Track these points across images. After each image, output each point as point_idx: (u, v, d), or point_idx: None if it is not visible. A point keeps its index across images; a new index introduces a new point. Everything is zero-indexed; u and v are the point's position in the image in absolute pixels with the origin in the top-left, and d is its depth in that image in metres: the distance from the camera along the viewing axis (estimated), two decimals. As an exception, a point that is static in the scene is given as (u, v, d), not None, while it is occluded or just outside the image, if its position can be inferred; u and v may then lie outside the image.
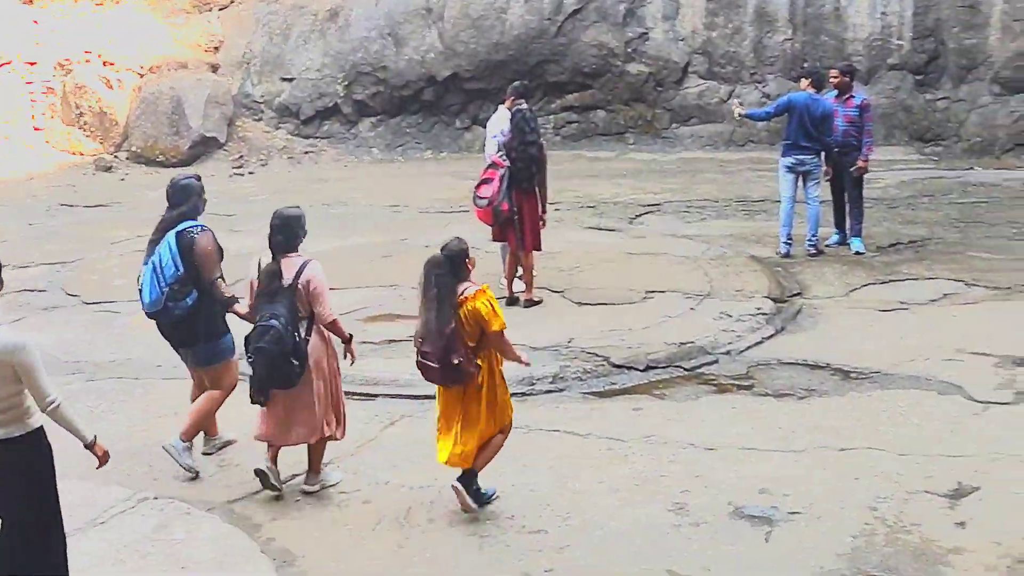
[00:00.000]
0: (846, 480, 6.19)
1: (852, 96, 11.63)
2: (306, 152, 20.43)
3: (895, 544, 5.48)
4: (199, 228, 6.61)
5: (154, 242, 6.64)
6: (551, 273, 10.74)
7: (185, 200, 6.71)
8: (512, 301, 9.86)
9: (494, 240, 10.16)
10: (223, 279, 6.58)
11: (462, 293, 5.85)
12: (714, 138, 19.61)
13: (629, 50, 19.94)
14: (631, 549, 5.56)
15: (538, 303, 9.89)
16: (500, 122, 10.13)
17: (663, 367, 8.28)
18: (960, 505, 5.87)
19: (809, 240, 11.55)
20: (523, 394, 7.71)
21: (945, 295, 9.98)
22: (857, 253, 11.52)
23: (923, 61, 18.67)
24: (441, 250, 5.89)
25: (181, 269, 6.48)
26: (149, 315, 6.66)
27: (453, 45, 20.10)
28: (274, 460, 6.35)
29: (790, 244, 11.52)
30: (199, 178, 6.97)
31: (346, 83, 20.78)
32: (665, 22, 19.83)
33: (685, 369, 8.26)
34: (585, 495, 6.15)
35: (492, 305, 5.84)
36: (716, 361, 8.41)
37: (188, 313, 6.54)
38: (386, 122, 20.92)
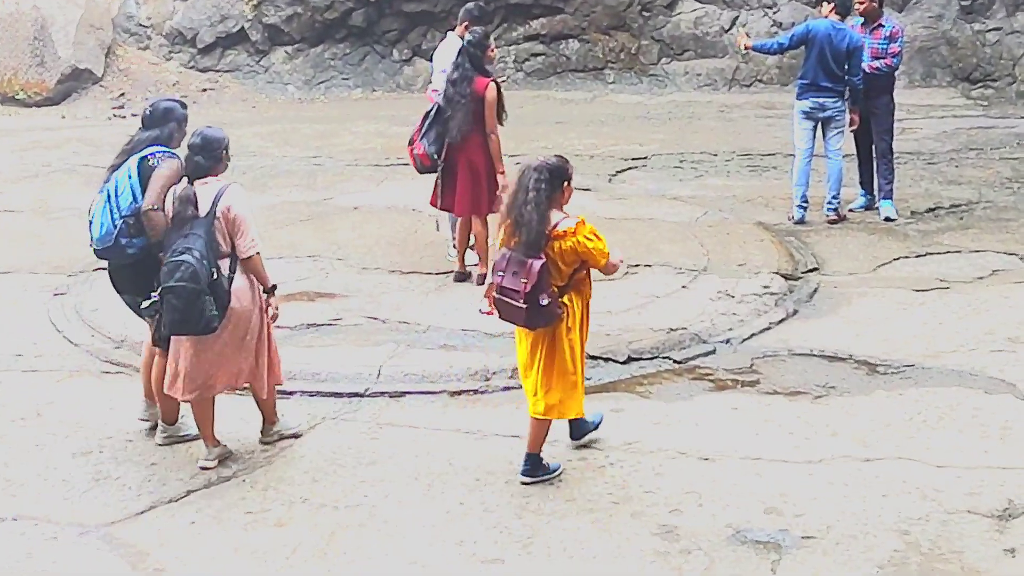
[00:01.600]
0: (872, 497, 6.26)
1: (881, 25, 11.72)
2: (204, 89, 20.29)
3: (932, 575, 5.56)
4: (167, 154, 6.81)
5: (114, 168, 6.85)
6: (511, 242, 10.75)
7: (162, 124, 6.94)
8: (462, 277, 9.89)
9: (431, 204, 10.12)
10: (162, 211, 6.63)
11: (555, 225, 6.22)
12: (713, 76, 19.73)
13: (609, -35, 19.98)
14: (608, 582, 5.60)
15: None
16: (450, 54, 10.10)
17: (649, 359, 8.32)
18: (1010, 528, 5.95)
19: (829, 203, 11.66)
20: (475, 391, 7.74)
21: (994, 272, 10.10)
22: (887, 219, 11.65)
23: (971, -17, 18.87)
24: (540, 161, 6.31)
25: (139, 201, 6.66)
26: (98, 253, 6.88)
27: (390, -44, 20.06)
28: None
29: (805, 208, 11.62)
30: (185, 106, 7.18)
31: (255, 3, 20.63)
32: (654, -69, 19.90)
33: (675, 361, 8.31)
34: (552, 517, 6.18)
35: (596, 236, 6.29)
36: (713, 351, 8.47)
37: (144, 253, 6.73)
38: (305, 52, 20.83)
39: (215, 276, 6.40)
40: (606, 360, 8.28)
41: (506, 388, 7.86)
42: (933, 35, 18.94)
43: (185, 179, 6.58)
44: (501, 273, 6.32)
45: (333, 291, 9.76)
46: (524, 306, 6.22)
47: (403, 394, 7.78)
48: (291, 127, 17.45)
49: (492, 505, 6.32)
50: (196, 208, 6.45)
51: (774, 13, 19.58)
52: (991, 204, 12.31)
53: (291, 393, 7.75)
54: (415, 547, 5.91)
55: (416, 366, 8.12)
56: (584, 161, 14.55)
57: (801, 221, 11.57)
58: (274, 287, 6.78)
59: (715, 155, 14.90)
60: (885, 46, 11.61)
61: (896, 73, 11.93)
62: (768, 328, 8.93)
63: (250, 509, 6.35)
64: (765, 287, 9.68)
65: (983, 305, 9.28)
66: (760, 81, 19.46)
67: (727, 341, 8.67)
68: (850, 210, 11.93)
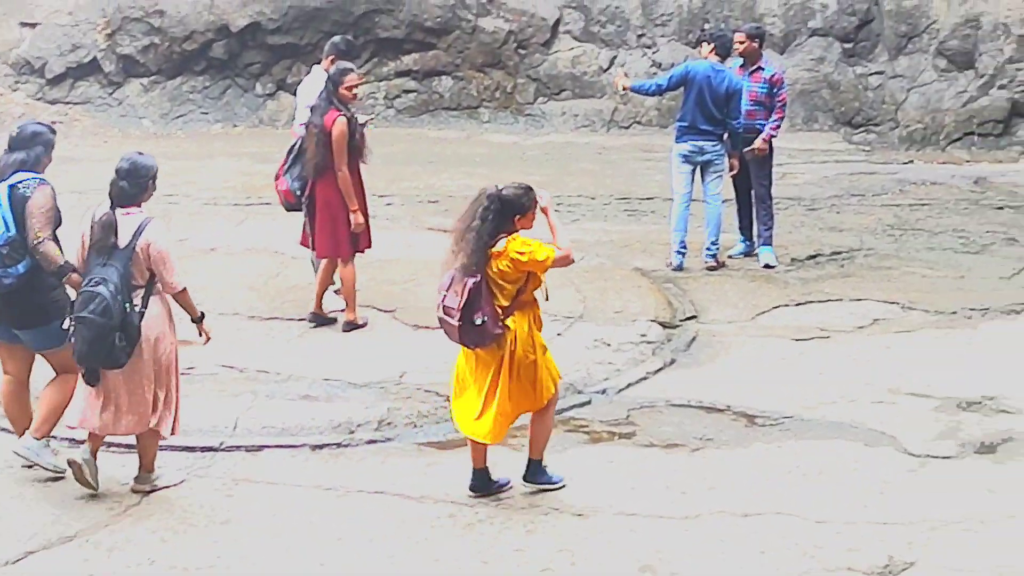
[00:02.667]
0: (750, 554, 6.33)
1: (761, 67, 11.98)
2: (53, 122, 19.89)
3: (809, 635, 5.64)
4: (37, 181, 6.93)
5: None
6: (379, 287, 10.73)
7: (28, 147, 7.04)
8: (317, 319, 9.85)
9: (302, 244, 10.12)
10: (56, 241, 6.91)
11: (494, 245, 6.56)
12: (591, 117, 19.95)
13: (484, 0, 20.11)
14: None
15: (361, 326, 9.87)
16: (315, 88, 10.08)
17: (521, 410, 8.35)
18: (890, 585, 6.08)
19: (708, 249, 11.84)
20: (338, 445, 7.69)
21: (875, 321, 10.34)
22: (767, 266, 11.87)
23: (853, 26, 19.40)
24: (500, 188, 6.67)
25: (12, 230, 6.83)
26: None
27: (254, -14, 19.97)
28: (95, 453, 6.90)
29: (684, 254, 11.77)
30: (54, 131, 7.34)
31: (108, 32, 20.37)
32: (531, -34, 20.13)
33: (550, 413, 8.35)
34: (417, 577, 6.15)
35: (526, 245, 6.60)
36: (589, 402, 8.53)
37: (20, 283, 6.88)
38: (162, 84, 20.60)
39: (127, 311, 6.63)
40: (478, 412, 8.27)
41: (371, 441, 7.82)
42: (815, 78, 19.41)
43: (107, 204, 6.80)
44: (444, 292, 6.67)
45: (187, 338, 9.58)
46: (458, 324, 6.55)
47: (261, 448, 7.68)
48: (146, 163, 17.17)
49: (354, 566, 6.25)
50: (117, 237, 6.69)
51: (653, 53, 19.89)
52: (873, 251, 12.61)
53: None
54: (271, 611, 5.82)
55: (275, 418, 8.03)
56: (457, 202, 14.47)
57: (679, 267, 11.72)
58: (202, 315, 7.09)
59: (592, 198, 15.04)
60: (765, 89, 11.85)
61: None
62: (645, 378, 9.02)
63: (92, 573, 6.19)
64: (642, 335, 9.78)
65: (864, 355, 9.49)
66: (639, 123, 19.73)
67: (603, 391, 8.73)
68: (729, 256, 12.12)
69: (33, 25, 20.54)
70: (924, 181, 16.28)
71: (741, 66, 11.99)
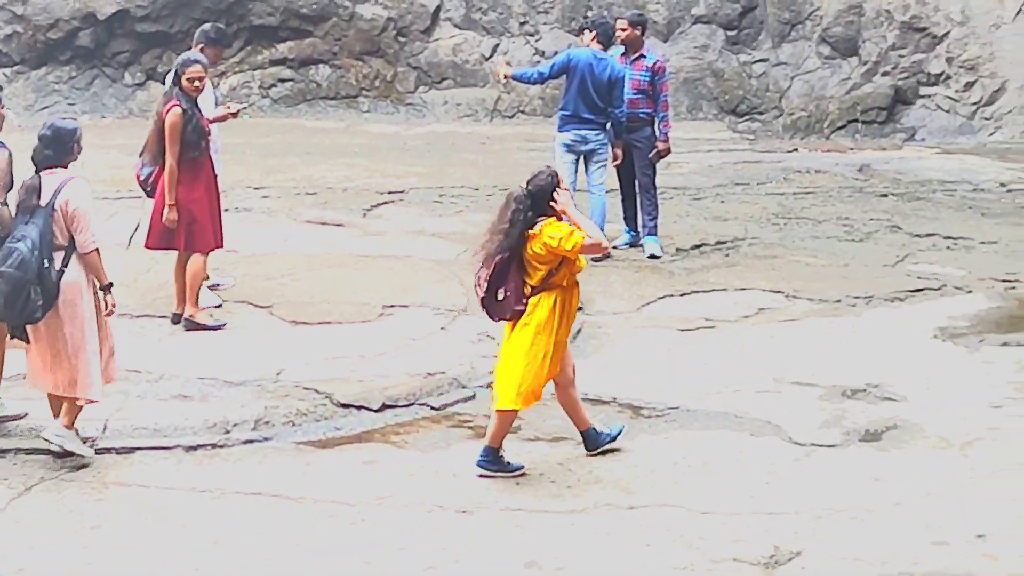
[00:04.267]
0: (636, 547, 6.41)
1: (643, 55, 12.09)
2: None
3: (696, 627, 5.72)
4: None
5: None
6: (255, 283, 10.66)
7: None
8: (178, 319, 9.79)
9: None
10: (6, 205, 7.29)
11: (533, 226, 7.02)
12: (474, 106, 19.98)
13: (362, -14, 20.05)
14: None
15: (214, 328, 9.69)
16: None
17: (404, 406, 8.36)
18: (776, 575, 6.18)
19: (593, 240, 11.89)
20: (213, 446, 7.62)
21: (760, 310, 10.51)
22: (652, 256, 11.98)
23: (736, 13, 19.68)
24: (527, 182, 7.11)
25: None
26: None
27: (121, -29, 19.66)
28: (58, 414, 7.33)
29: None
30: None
31: (-33, 19, 19.92)
32: (410, -48, 20.09)
33: (433, 408, 8.37)
34: (297, 580, 6.12)
35: (559, 228, 6.98)
36: (473, 397, 8.55)
37: None
38: (26, 75, 20.20)
39: (45, 267, 6.98)
40: (359, 408, 8.28)
41: (248, 441, 7.76)
42: (699, 66, 19.65)
43: (33, 168, 7.21)
44: (480, 263, 7.20)
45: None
46: (483, 296, 7.15)
47: (133, 450, 7.57)
48: (9, 157, 16.85)
49: (231, 570, 6.21)
50: (39, 198, 7.09)
51: (536, 41, 19.98)
52: (757, 240, 12.81)
53: (5, 452, 7.47)
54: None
55: (147, 419, 7.92)
56: (336, 195, 14.52)
57: (563, 258, 11.77)
58: (110, 284, 7.34)
59: (476, 189, 15.06)
60: (647, 78, 11.97)
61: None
62: (530, 371, 9.07)
63: (-45, 583, 6.07)
64: (527, 328, 9.82)
65: (749, 345, 9.65)
66: (523, 112, 19.81)
67: (487, 386, 8.74)
68: (615, 247, 12.20)
69: None
70: (808, 169, 16.58)
71: (623, 54, 12.08)
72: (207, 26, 10.60)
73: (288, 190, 14.70)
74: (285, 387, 8.54)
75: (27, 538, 6.50)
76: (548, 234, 7.01)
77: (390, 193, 14.72)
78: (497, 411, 7.24)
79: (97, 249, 7.26)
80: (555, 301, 7.16)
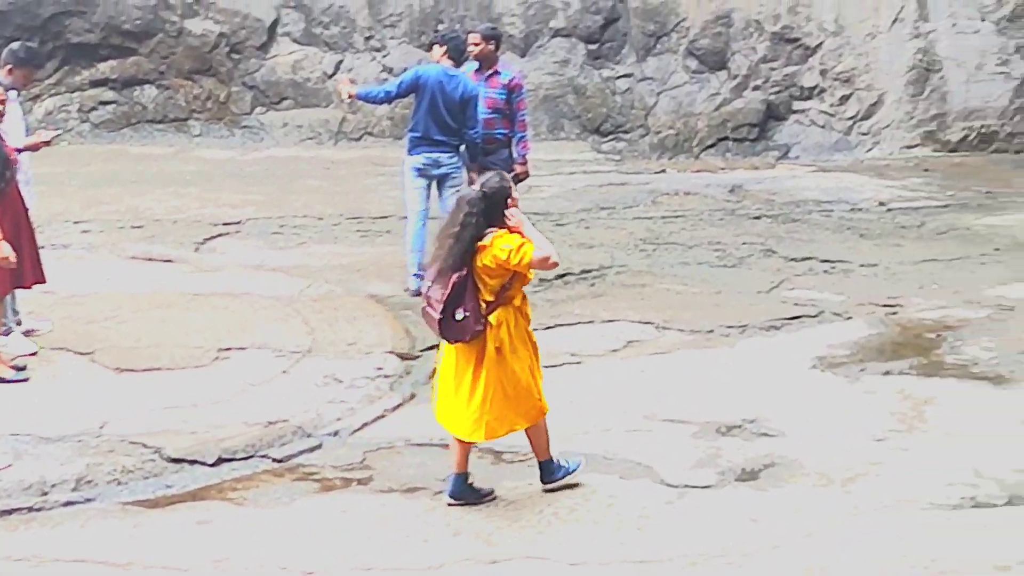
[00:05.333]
0: (499, 604, 6.41)
1: (498, 72, 12.17)
2: None
3: None
4: None
5: None
6: (75, 326, 10.46)
7: None
8: None
9: None
10: None
11: (483, 239, 7.16)
12: (316, 128, 19.93)
13: (190, 0, 19.87)
14: None
15: (15, 380, 9.43)
16: (-10, 101, 9.77)
17: (243, 459, 8.25)
18: (649, 628, 6.23)
19: (448, 271, 11.91)
20: (29, 509, 7.44)
21: (629, 343, 10.60)
22: (513, 288, 11.99)
23: (597, 25, 19.91)
24: (480, 186, 7.35)
25: None
26: None
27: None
28: None
29: (422, 277, 11.75)
30: None
31: None
32: (242, -39, 20.00)
33: (275, 460, 8.27)
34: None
35: (510, 240, 7.16)
36: (319, 446, 8.48)
37: None
38: None
39: None
40: (192, 463, 8.15)
41: (68, 503, 7.59)
42: (559, 82, 19.83)
43: None
44: (430, 283, 7.32)
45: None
46: (439, 317, 7.16)
47: (-62, 517, 7.38)
48: None
49: (51, 646, 6.07)
50: None
51: (383, 57, 19.99)
52: (625, 268, 12.93)
53: None
54: None
55: (-47, 481, 7.73)
56: (165, 227, 14.35)
57: (418, 292, 11.70)
58: None
59: (320, 218, 15.00)
60: (503, 95, 12.04)
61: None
62: (382, 416, 9.03)
63: None
64: (378, 369, 9.80)
65: (617, 380, 9.72)
66: (370, 134, 19.79)
67: (335, 433, 8.70)
68: (472, 279, 12.23)
69: None
70: (677, 191, 16.81)
71: (477, 71, 12.13)
72: (15, 45, 10.41)
73: (111, 223, 14.47)
74: (109, 442, 8.37)
75: None
76: (499, 247, 7.17)
77: (225, 224, 14.60)
78: (460, 442, 7.49)
79: None
80: (516, 316, 7.41)
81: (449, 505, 7.45)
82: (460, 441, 7.49)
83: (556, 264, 7.56)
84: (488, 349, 7.28)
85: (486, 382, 7.31)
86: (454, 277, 7.15)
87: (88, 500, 7.67)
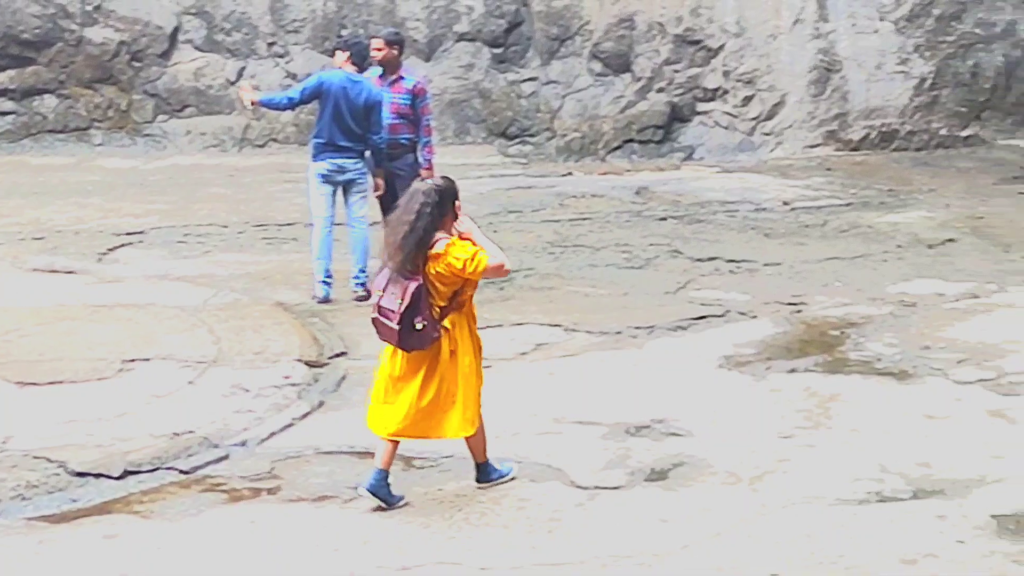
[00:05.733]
0: (411, 612, 6.40)
1: (402, 77, 12.19)
2: None
3: None
4: None
5: None
6: (-27, 341, 10.30)
7: None
8: None
9: None
10: None
11: (433, 246, 7.20)
12: (220, 136, 19.79)
13: (89, 8, 19.71)
14: None
15: None
16: None
17: (149, 471, 8.14)
18: (561, 631, 6.24)
19: (356, 278, 11.91)
20: (-71, 528, 7.32)
21: (538, 346, 10.63)
22: (421, 293, 11.98)
23: (502, 29, 19.94)
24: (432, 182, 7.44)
25: None
26: None
27: None
28: None
29: (330, 284, 11.80)
30: None
31: None
32: (140, -31, 19.81)
33: (182, 471, 8.18)
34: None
35: (463, 248, 7.23)
36: (227, 457, 8.40)
37: None
38: None
39: None
40: (97, 476, 8.03)
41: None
42: (464, 87, 19.83)
43: None
44: (380, 292, 7.32)
45: None
46: (398, 327, 7.15)
47: None
48: None
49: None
50: None
51: (286, 63, 19.89)
52: (533, 272, 12.96)
53: None
54: None
55: None
56: (67, 239, 14.19)
57: (326, 299, 11.74)
58: None
59: (225, 227, 14.90)
60: (407, 101, 12.05)
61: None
62: (290, 425, 8.96)
63: None
64: (286, 377, 9.74)
65: (527, 383, 9.74)
66: (275, 140, 19.68)
67: (243, 443, 8.62)
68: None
69: None
70: (584, 194, 16.88)
71: (381, 76, 12.12)
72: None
73: (11, 235, 14.28)
74: (12, 457, 8.23)
75: None
76: (453, 255, 7.23)
77: (128, 235, 14.45)
78: (388, 441, 7.53)
79: None
80: (468, 321, 7.58)
81: (360, 495, 7.51)
82: (391, 441, 7.53)
83: (509, 271, 7.74)
84: (443, 352, 7.38)
85: (439, 383, 7.42)
86: (411, 287, 7.17)
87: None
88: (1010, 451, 8.36)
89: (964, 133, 19.42)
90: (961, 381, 9.68)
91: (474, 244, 7.33)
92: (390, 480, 7.55)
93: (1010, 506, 7.52)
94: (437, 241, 7.27)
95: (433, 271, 7.27)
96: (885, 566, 6.80)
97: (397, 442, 7.57)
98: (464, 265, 7.23)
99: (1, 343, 10.40)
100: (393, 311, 7.19)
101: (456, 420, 7.54)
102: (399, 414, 7.45)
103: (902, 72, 19.32)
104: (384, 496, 7.50)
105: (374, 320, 7.41)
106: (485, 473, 7.84)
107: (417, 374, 7.42)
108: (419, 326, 7.21)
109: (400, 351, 7.41)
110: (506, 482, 7.87)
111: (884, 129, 19.36)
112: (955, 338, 10.69)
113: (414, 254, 7.22)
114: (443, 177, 7.61)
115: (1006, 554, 6.93)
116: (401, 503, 7.55)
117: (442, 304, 7.37)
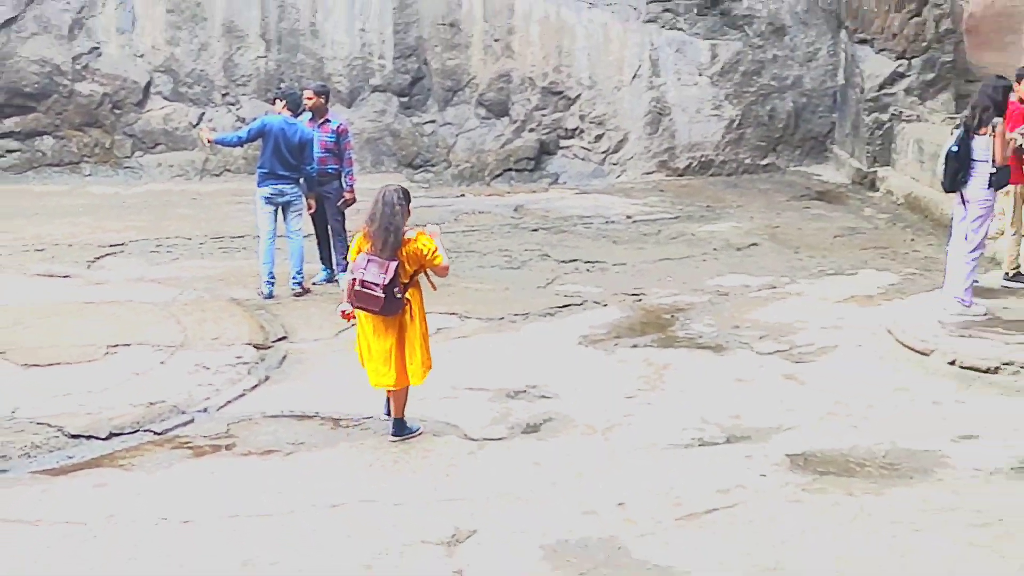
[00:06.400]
0: (338, 538, 6.35)
1: (328, 120, 12.09)
2: None
3: (392, 602, 5.69)
4: None
5: None
6: (-13, 332, 10.06)
7: None
8: None
9: None
10: None
11: (405, 233, 7.47)
12: (185, 167, 19.43)
13: (78, 67, 19.27)
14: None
15: None
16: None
17: (130, 432, 8.04)
18: (457, 552, 6.23)
19: (294, 279, 11.79)
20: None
21: (439, 330, 10.56)
22: (346, 290, 11.90)
23: (407, 82, 19.79)
24: (397, 188, 7.64)
25: None
26: None
27: None
28: None
29: (273, 284, 11.68)
30: None
31: None
32: (120, 36, 19.38)
33: (156, 433, 8.08)
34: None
35: (429, 241, 7.55)
36: (192, 421, 8.31)
37: None
38: None
39: None
40: (88, 438, 7.91)
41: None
42: (379, 127, 19.67)
43: None
44: (363, 270, 7.43)
45: None
46: (382, 296, 7.37)
47: None
48: None
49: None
50: None
51: (237, 109, 19.59)
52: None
53: None
54: None
55: None
56: (63, 250, 13.87)
57: (270, 296, 11.62)
58: None
59: (190, 239, 14.66)
60: (333, 139, 11.99)
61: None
62: (242, 395, 8.87)
63: None
64: (238, 357, 9.63)
65: (435, 360, 9.69)
66: (229, 171, 19.35)
67: (204, 410, 8.53)
68: (313, 283, 12.12)
69: None
70: (474, 211, 16.83)
71: (311, 119, 12.03)
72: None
73: (17, 247, 13.94)
74: (20, 423, 8.08)
75: None
76: (422, 242, 7.54)
77: (112, 246, 14.16)
78: (398, 390, 7.74)
79: None
80: (419, 294, 7.78)
81: (392, 442, 7.75)
82: (398, 392, 7.76)
83: (447, 271, 7.86)
84: (405, 318, 7.62)
85: (408, 341, 7.67)
86: (392, 265, 7.40)
87: (3, 471, 7.40)
88: (800, 405, 8.52)
89: (764, 162, 19.65)
90: (763, 352, 9.83)
91: (435, 244, 7.62)
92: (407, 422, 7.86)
93: (800, 447, 7.67)
94: (408, 230, 7.54)
95: (406, 252, 7.50)
96: (705, 494, 6.90)
97: (403, 391, 7.80)
98: (428, 254, 7.55)
99: (8, 333, 10.15)
100: (377, 284, 7.38)
101: (417, 370, 7.73)
102: (384, 369, 7.67)
103: (716, 115, 19.52)
104: (407, 436, 7.82)
105: (357, 293, 7.49)
106: (400, 428, 7.83)
107: (389, 336, 7.62)
108: (398, 295, 7.45)
109: (374, 320, 7.60)
110: (414, 437, 7.86)
111: (703, 159, 19.56)
112: (758, 319, 10.84)
113: (394, 240, 7.44)
114: (400, 186, 7.76)
115: (797, 484, 7.07)
116: (419, 431, 7.90)
117: (405, 281, 7.57)
